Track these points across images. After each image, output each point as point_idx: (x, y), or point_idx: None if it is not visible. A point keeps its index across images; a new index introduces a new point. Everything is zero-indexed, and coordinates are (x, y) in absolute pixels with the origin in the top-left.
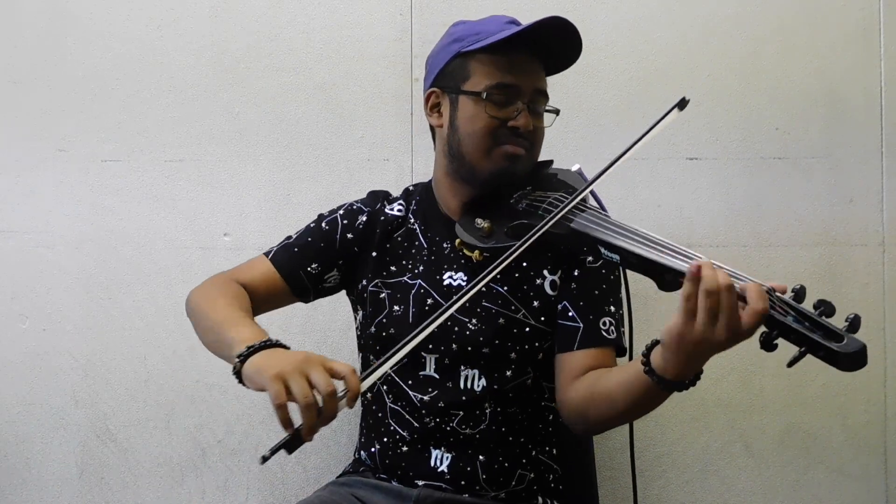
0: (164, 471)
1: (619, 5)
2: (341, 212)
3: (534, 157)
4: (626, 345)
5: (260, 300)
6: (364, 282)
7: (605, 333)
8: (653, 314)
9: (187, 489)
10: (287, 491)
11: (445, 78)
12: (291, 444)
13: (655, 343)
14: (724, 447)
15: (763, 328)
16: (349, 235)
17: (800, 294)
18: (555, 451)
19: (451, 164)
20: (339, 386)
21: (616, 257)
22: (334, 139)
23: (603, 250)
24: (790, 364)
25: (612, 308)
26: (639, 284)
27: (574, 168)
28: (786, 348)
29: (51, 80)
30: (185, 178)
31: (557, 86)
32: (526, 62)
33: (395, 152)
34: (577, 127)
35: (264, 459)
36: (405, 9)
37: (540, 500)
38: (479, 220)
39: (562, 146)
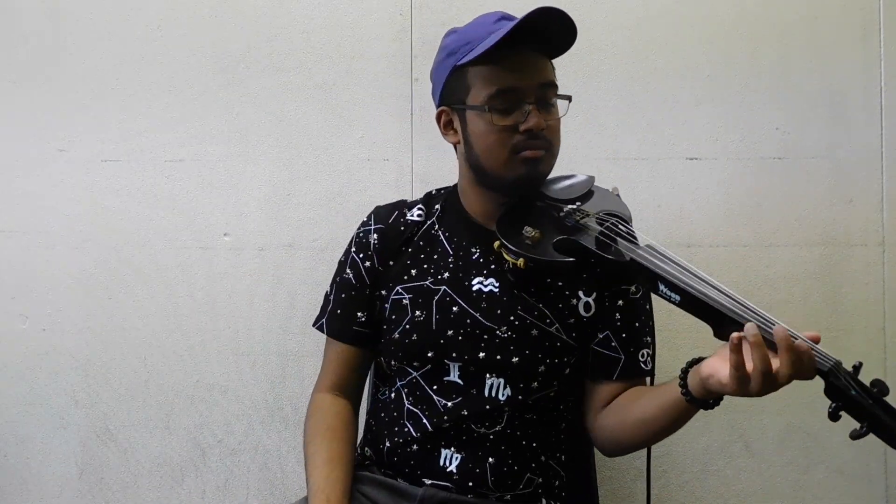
0: (164, 471)
1: (619, 5)
2: (353, 249)
3: (555, 152)
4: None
5: (353, 381)
6: (384, 291)
7: (643, 365)
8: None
9: (187, 489)
10: (287, 491)
11: (449, 95)
12: None
13: (689, 366)
14: (724, 447)
15: (830, 400)
16: (367, 265)
17: (857, 369)
18: (563, 458)
19: (476, 175)
20: None
21: (677, 298)
22: (334, 139)
23: (662, 287)
24: (854, 437)
25: (649, 339)
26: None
27: (612, 189)
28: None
29: (51, 80)
30: (185, 178)
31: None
32: (523, 59)
33: (395, 152)
34: (576, 127)
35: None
36: (405, 9)
37: (543, 502)
38: (528, 228)
39: (561, 146)
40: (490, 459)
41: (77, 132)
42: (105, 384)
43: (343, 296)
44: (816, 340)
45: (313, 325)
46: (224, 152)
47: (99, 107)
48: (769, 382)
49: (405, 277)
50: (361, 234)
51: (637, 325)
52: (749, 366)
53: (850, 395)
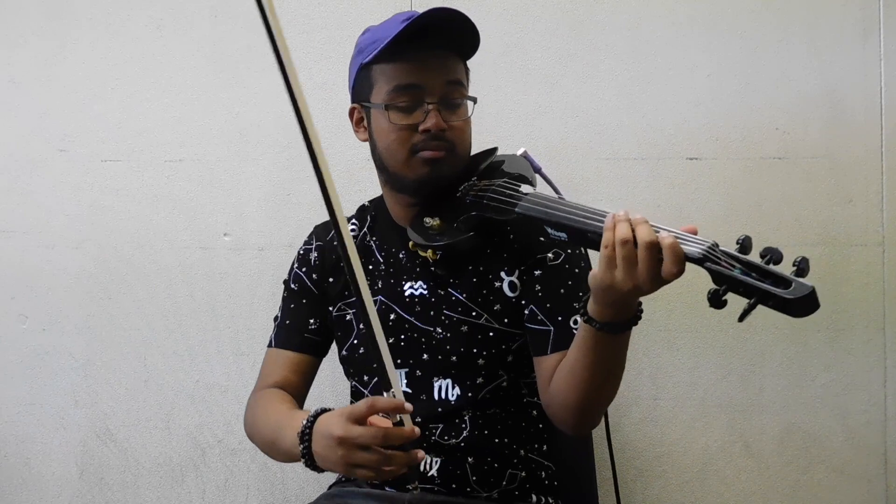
0: (164, 471)
1: (619, 5)
2: (296, 265)
3: (459, 154)
4: None
5: (298, 385)
6: (331, 308)
7: (575, 332)
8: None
9: (187, 489)
10: (287, 491)
11: (357, 92)
12: (412, 475)
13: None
14: (724, 447)
15: (712, 285)
16: (314, 276)
17: (746, 245)
18: (545, 448)
19: (382, 175)
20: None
21: (563, 235)
22: (334, 139)
23: (550, 230)
24: (741, 318)
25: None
26: None
27: (519, 152)
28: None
29: (51, 80)
30: (185, 178)
31: (556, 86)
32: (426, 56)
33: None
34: (576, 127)
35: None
36: (405, 9)
37: (534, 497)
38: (427, 219)
39: (561, 146)
40: (469, 460)
41: (77, 132)
42: (105, 384)
43: (292, 306)
44: (693, 232)
45: (268, 346)
46: (224, 152)
47: (99, 107)
48: (629, 260)
49: (346, 293)
50: (303, 252)
51: (562, 291)
52: (617, 248)
53: (733, 277)
